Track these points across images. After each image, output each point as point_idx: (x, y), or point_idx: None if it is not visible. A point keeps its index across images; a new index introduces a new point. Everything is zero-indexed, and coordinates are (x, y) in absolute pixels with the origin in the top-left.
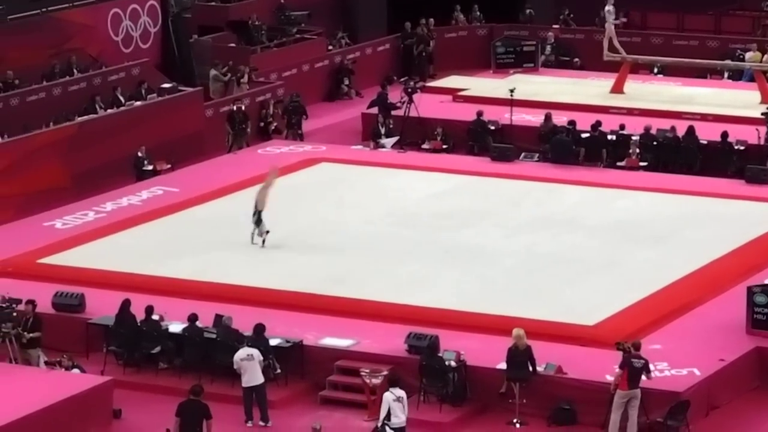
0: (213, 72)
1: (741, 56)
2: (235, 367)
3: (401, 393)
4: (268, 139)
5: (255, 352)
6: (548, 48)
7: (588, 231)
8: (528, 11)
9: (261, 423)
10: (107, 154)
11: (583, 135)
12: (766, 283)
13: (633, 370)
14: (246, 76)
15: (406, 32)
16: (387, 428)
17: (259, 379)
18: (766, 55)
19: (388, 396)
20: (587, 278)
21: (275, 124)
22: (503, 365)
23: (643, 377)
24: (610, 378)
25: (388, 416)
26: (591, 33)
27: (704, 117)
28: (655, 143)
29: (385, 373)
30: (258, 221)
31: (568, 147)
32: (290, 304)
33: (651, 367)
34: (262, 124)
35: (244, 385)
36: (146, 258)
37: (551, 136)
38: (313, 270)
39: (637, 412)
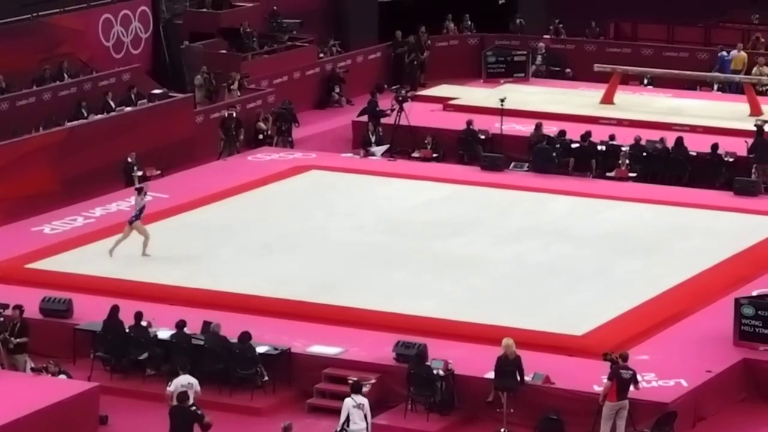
0: (197, 78)
1: (727, 60)
2: (171, 389)
3: (362, 400)
4: (258, 146)
5: (194, 381)
6: (539, 58)
7: (577, 241)
8: (519, 21)
9: None
10: (97, 159)
11: (573, 145)
12: (754, 294)
13: (621, 381)
14: (236, 83)
15: (397, 41)
16: None
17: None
18: (755, 68)
19: (348, 402)
20: (576, 288)
21: (269, 131)
22: (491, 374)
23: (631, 388)
24: (597, 388)
25: (348, 422)
26: (582, 43)
27: (693, 129)
28: (644, 154)
29: (373, 381)
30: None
31: (548, 156)
32: (278, 311)
33: (639, 377)
34: (261, 136)
35: None
36: (135, 264)
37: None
38: (301, 277)
39: (625, 423)
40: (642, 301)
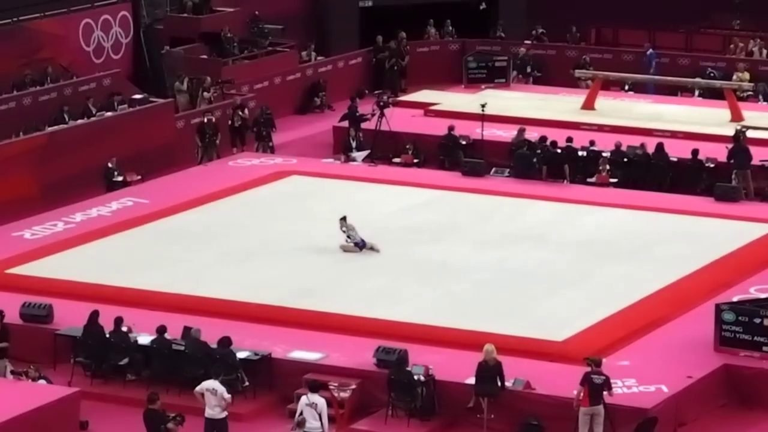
0: (176, 84)
1: (711, 74)
2: (198, 390)
3: (317, 399)
4: (241, 150)
5: (220, 388)
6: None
7: (558, 247)
8: (500, 28)
9: None
10: (77, 164)
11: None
12: (734, 300)
13: (593, 386)
14: (211, 88)
15: (378, 46)
16: None
17: (220, 414)
18: (735, 73)
19: (302, 400)
20: (556, 294)
21: (239, 123)
22: (472, 380)
23: (605, 394)
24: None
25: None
26: (562, 49)
27: (674, 134)
28: (625, 160)
29: (353, 386)
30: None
31: (529, 161)
32: (259, 316)
33: (619, 383)
34: (230, 122)
35: (206, 415)
36: (115, 269)
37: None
38: (282, 283)
39: (602, 429)
40: (623, 307)
